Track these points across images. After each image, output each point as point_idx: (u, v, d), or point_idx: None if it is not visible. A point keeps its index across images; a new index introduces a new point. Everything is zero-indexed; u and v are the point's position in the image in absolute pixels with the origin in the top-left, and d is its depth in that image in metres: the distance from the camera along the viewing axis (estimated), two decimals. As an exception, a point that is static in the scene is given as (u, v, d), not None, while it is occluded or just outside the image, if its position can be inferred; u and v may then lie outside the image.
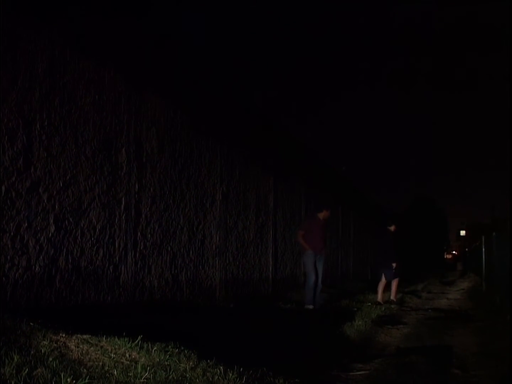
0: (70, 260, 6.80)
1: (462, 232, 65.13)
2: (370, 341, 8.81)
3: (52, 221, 6.50)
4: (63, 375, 4.06)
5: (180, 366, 4.81)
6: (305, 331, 8.24)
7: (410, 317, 12.17)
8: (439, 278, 29.58)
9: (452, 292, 20.62)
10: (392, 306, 13.68)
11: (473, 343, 8.38)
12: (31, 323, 4.99)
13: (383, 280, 14.30)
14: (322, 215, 12.25)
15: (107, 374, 4.41)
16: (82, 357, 4.64)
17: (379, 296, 14.35)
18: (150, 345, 5.07)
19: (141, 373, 4.48)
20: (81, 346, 4.80)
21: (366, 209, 25.82)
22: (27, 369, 4.05)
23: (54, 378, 4.04)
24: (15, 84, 6.00)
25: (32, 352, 4.44)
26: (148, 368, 4.58)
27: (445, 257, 56.07)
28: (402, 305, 14.64)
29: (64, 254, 6.69)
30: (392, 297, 14.76)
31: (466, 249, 52.57)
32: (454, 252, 62.88)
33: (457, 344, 8.23)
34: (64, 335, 4.89)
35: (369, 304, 13.41)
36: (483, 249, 21.54)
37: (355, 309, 12.16)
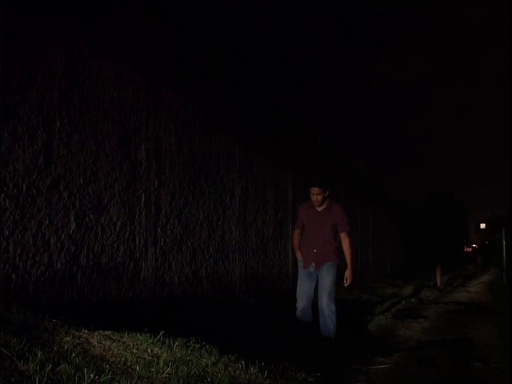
0: (91, 257, 6.83)
1: (482, 225, 64.74)
2: (390, 334, 8.81)
3: (73, 218, 6.53)
4: (86, 371, 4.09)
5: (201, 361, 4.83)
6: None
7: (430, 310, 12.15)
8: (459, 271, 29.42)
9: (472, 285, 20.56)
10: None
11: (494, 336, 8.36)
12: (54, 320, 5.03)
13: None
14: (313, 196, 7.80)
15: (130, 370, 4.44)
16: (104, 353, 4.66)
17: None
18: (171, 340, 5.08)
19: (163, 368, 4.50)
20: (103, 342, 4.82)
21: (384, 204, 25.72)
22: (50, 365, 4.08)
23: (77, 373, 4.07)
24: (34, 82, 6.03)
25: (55, 348, 4.47)
26: (170, 363, 4.60)
27: (465, 250, 55.75)
28: (422, 298, 14.62)
29: (85, 251, 6.73)
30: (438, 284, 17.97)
31: (486, 242, 52.26)
32: (474, 245, 62.52)
33: (478, 337, 8.21)
34: (86, 331, 4.92)
35: (389, 298, 13.43)
36: (504, 242, 21.44)
37: (375, 303, 12.15)
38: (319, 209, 7.89)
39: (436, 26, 9.10)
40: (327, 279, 7.60)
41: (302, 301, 7.71)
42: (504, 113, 12.09)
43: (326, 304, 7.49)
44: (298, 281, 7.94)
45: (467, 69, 11.03)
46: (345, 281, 7.63)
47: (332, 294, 7.55)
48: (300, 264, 8.02)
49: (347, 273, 7.61)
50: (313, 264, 7.77)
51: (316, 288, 7.80)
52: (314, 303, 7.73)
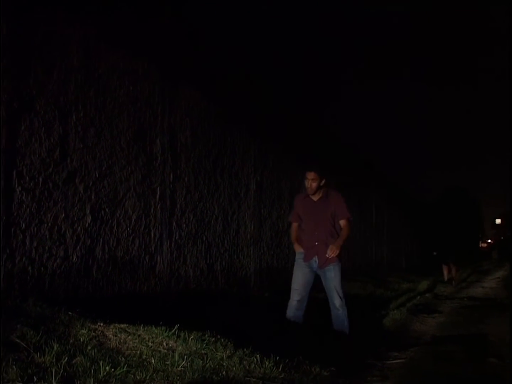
0: (107, 250, 6.86)
1: (498, 221, 64.32)
2: (405, 329, 8.79)
3: (88, 211, 6.56)
4: (102, 364, 4.12)
5: (217, 354, 4.85)
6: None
7: (445, 305, 12.11)
8: (474, 266, 29.31)
9: (487, 281, 20.46)
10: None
11: (509, 332, 8.32)
12: (70, 313, 5.06)
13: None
14: (307, 181, 7.33)
15: (145, 363, 4.47)
16: (120, 346, 4.69)
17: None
18: (187, 334, 5.10)
19: (178, 361, 4.53)
20: (119, 335, 4.85)
21: (399, 199, 25.67)
22: (66, 358, 4.11)
23: (93, 366, 4.10)
24: (51, 76, 6.06)
25: (71, 341, 4.51)
26: (185, 357, 4.62)
27: (480, 246, 55.48)
28: (437, 293, 14.59)
29: (100, 244, 6.76)
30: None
31: (502, 238, 51.98)
32: (489, 240, 62.16)
33: (493, 333, 8.18)
34: (102, 324, 4.95)
35: (404, 293, 13.42)
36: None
37: (390, 298, 12.13)
38: (315, 198, 7.46)
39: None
40: (335, 281, 7.31)
41: (300, 293, 7.36)
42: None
43: (340, 305, 7.29)
44: (294, 273, 7.55)
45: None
46: (329, 251, 7.16)
47: (341, 293, 7.33)
48: (299, 256, 7.55)
49: (331, 247, 7.17)
50: (316, 258, 7.37)
51: (311, 288, 7.48)
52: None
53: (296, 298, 7.34)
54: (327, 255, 7.20)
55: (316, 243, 7.36)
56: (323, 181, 7.35)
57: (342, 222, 7.43)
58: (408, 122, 15.09)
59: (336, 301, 7.29)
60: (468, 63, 10.77)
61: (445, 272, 18.17)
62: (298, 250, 7.57)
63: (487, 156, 19.06)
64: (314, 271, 7.43)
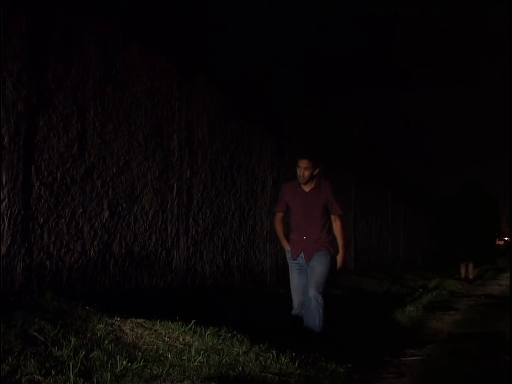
0: (124, 245, 6.89)
1: (515, 218, 64.02)
2: (421, 326, 8.79)
3: (106, 206, 6.59)
4: (119, 358, 4.14)
5: (233, 350, 4.86)
6: (355, 317, 8.24)
7: (462, 303, 12.09)
8: (491, 264, 29.17)
9: (504, 278, 20.35)
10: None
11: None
12: (87, 307, 5.09)
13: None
14: (299, 170, 6.74)
15: (161, 358, 4.49)
16: (136, 341, 4.72)
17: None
18: (203, 329, 5.12)
19: (194, 356, 4.54)
20: (135, 329, 4.88)
21: (415, 196, 25.56)
22: (83, 352, 4.15)
23: (110, 360, 4.13)
24: (69, 72, 6.08)
25: (88, 335, 4.54)
26: (202, 352, 4.63)
27: (496, 243, 55.16)
28: (453, 291, 14.56)
29: (117, 239, 6.78)
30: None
31: (518, 235, 51.69)
32: (506, 238, 61.84)
33: (509, 331, 8.15)
34: (119, 319, 4.98)
35: (420, 290, 13.39)
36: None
37: (406, 294, 12.11)
38: (307, 188, 6.83)
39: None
40: (318, 268, 6.64)
41: (297, 297, 6.85)
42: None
43: (313, 295, 6.52)
44: (290, 277, 7.02)
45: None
46: (337, 265, 6.80)
47: (321, 286, 6.60)
48: (288, 255, 7.04)
49: (339, 256, 6.83)
50: (303, 254, 6.82)
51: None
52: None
53: (297, 307, 6.83)
54: (337, 269, 6.84)
55: (304, 237, 6.81)
56: (316, 170, 6.77)
57: (333, 217, 6.89)
58: (422, 118, 15.03)
59: (311, 291, 6.58)
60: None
61: (463, 270, 18.13)
62: (286, 248, 7.06)
63: (504, 152, 18.94)
64: (305, 269, 6.86)
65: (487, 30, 9.18)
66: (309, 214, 6.79)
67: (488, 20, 8.75)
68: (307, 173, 6.67)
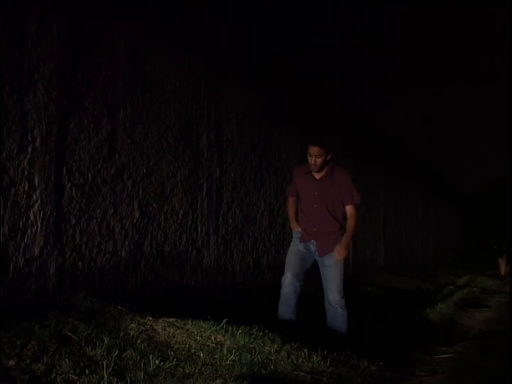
0: (154, 245, 6.93)
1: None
2: (452, 324, 8.74)
3: (136, 207, 6.63)
4: (151, 357, 4.16)
5: (264, 348, 4.86)
6: (386, 315, 8.22)
7: (493, 300, 12.00)
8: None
9: (537, 275, 20.18)
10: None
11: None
12: (119, 307, 5.13)
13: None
14: (311, 158, 6.33)
15: (194, 357, 4.50)
16: (169, 340, 4.74)
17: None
18: (234, 328, 5.12)
19: (226, 355, 4.54)
20: (167, 329, 4.90)
21: (445, 192, 25.38)
22: (116, 351, 4.17)
23: (143, 360, 4.14)
24: (99, 74, 6.13)
25: (121, 335, 4.57)
26: (233, 351, 4.64)
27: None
28: (484, 287, 14.46)
29: (148, 239, 6.83)
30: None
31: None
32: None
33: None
34: (151, 318, 5.00)
35: (451, 287, 13.31)
36: None
37: (436, 292, 12.05)
38: (318, 176, 6.43)
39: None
40: (335, 272, 6.30)
41: (292, 269, 6.44)
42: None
43: (337, 302, 6.28)
44: (288, 253, 6.63)
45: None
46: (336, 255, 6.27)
47: (342, 289, 6.29)
48: (296, 235, 6.60)
49: (339, 245, 6.27)
50: (315, 242, 6.42)
51: (308, 270, 6.57)
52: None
53: (287, 284, 6.42)
54: (335, 259, 6.32)
55: (315, 229, 6.43)
56: (329, 156, 6.35)
57: (348, 209, 6.42)
58: (451, 115, 14.91)
59: (332, 296, 6.32)
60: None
61: (503, 266, 18.05)
62: (296, 229, 6.63)
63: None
64: (312, 254, 6.51)
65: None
66: (319, 205, 6.41)
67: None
68: (319, 161, 6.27)
